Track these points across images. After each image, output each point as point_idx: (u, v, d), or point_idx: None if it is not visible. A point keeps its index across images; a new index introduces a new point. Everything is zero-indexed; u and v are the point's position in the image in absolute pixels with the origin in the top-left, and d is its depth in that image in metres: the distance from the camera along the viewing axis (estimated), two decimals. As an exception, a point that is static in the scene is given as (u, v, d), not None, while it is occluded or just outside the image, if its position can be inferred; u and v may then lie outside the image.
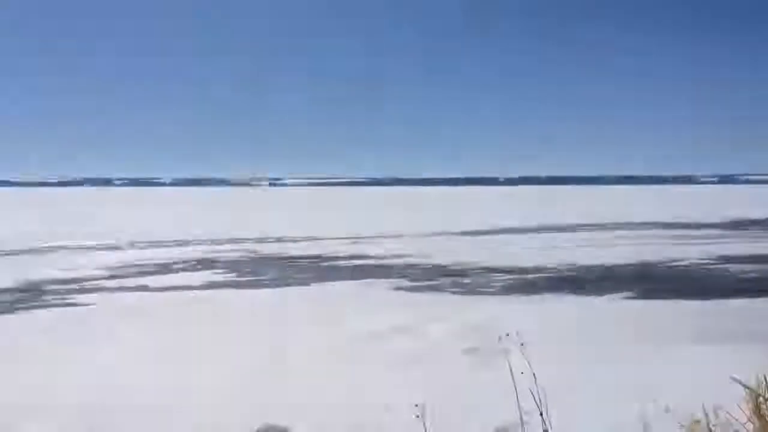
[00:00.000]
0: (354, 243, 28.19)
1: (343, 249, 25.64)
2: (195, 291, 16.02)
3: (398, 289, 15.96)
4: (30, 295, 15.40)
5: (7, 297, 15.20)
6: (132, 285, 17.01)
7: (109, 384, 8.11)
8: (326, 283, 17.08)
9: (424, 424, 3.74)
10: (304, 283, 17.15)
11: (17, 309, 13.72)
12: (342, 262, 21.72)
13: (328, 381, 8.20)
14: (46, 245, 27.65)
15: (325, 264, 21.39)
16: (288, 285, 16.83)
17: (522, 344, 4.16)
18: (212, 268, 20.50)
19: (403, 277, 18.06)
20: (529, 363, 3.84)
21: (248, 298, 14.89)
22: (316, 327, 11.23)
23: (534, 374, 3.65)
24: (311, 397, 7.58)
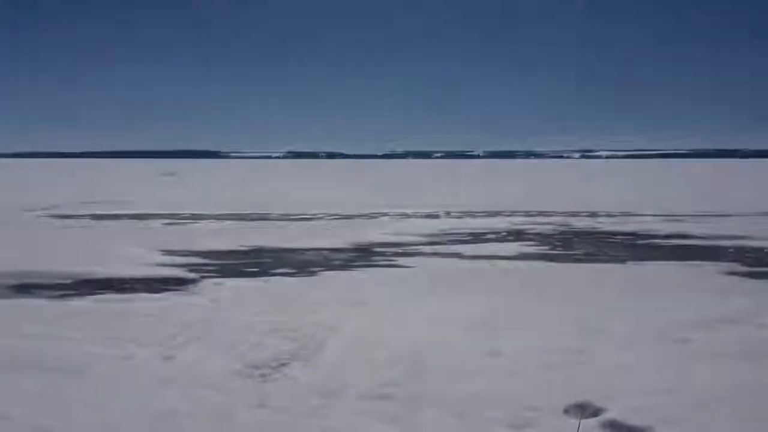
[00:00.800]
0: (672, 221, 25.96)
1: (661, 227, 23.77)
2: (506, 261, 16.27)
3: (731, 273, 14.21)
4: (360, 255, 17.21)
5: (343, 256, 17.20)
6: (446, 252, 17.93)
7: (422, 339, 8.63)
8: (644, 262, 15.98)
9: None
10: (619, 260, 16.28)
11: (351, 266, 15.44)
12: (660, 241, 20.15)
13: (646, 366, 7.65)
14: (375, 211, 30.66)
15: (642, 242, 20.05)
16: (601, 261, 16.15)
17: None
18: (522, 239, 20.62)
19: (737, 261, 16.05)
20: None
21: (559, 272, 14.64)
22: (633, 307, 10.57)
23: None
24: (627, 381, 7.15)
